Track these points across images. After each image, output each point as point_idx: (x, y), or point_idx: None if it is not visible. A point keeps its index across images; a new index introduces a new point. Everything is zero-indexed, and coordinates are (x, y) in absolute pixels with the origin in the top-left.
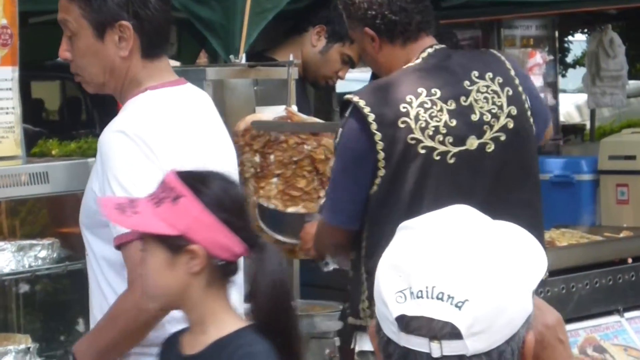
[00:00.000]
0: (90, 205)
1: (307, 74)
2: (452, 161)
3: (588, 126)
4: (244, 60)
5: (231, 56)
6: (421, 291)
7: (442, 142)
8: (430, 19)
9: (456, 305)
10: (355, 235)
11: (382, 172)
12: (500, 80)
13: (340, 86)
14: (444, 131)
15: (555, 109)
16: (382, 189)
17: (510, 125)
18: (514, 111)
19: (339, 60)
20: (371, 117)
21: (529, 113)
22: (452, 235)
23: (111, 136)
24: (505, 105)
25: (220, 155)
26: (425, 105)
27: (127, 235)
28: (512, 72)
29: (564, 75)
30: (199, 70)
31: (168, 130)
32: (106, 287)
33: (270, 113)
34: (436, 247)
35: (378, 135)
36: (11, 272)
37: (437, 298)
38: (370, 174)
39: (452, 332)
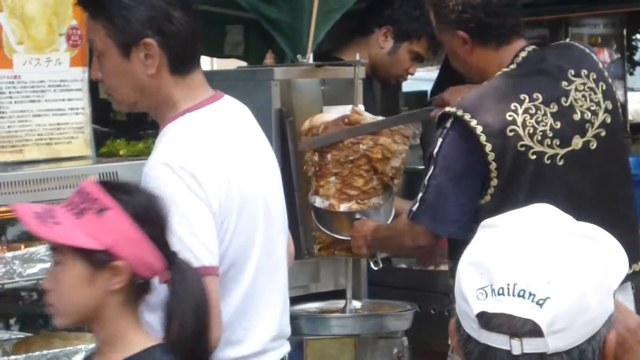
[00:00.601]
0: None
1: (377, 74)
2: (561, 163)
3: None
4: (311, 60)
5: (298, 56)
6: (502, 288)
7: (551, 146)
8: (522, 21)
9: (537, 303)
10: (454, 244)
11: (494, 182)
12: (595, 76)
13: (407, 85)
14: (551, 134)
15: (624, 107)
16: (495, 198)
17: (608, 120)
18: (610, 105)
19: (408, 59)
20: (479, 129)
21: (619, 104)
22: (534, 234)
23: (156, 168)
24: (602, 100)
25: (263, 172)
26: (530, 111)
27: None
28: (601, 65)
29: (631, 74)
30: (267, 70)
31: (212, 159)
32: None
33: (337, 113)
34: (518, 244)
35: (488, 147)
36: None
37: (519, 295)
38: (481, 184)
39: (533, 330)
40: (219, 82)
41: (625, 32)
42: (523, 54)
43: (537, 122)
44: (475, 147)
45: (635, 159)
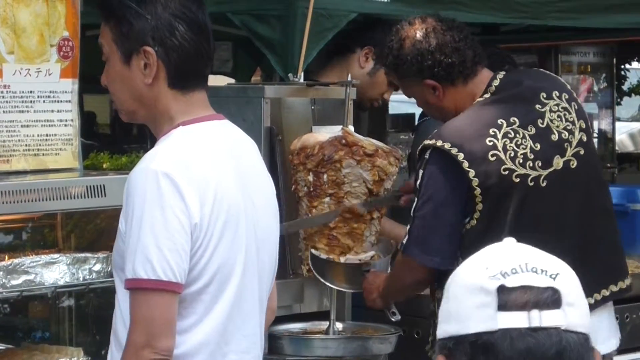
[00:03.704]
0: (120, 245)
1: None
2: (544, 184)
3: None
4: (302, 79)
5: (289, 74)
6: (514, 268)
7: (533, 167)
8: (481, 50)
9: (551, 277)
10: (442, 273)
11: (480, 207)
12: (567, 96)
13: (394, 108)
14: (532, 156)
15: (611, 137)
16: (481, 222)
17: (584, 138)
18: (583, 124)
19: (386, 82)
20: (461, 157)
21: (590, 123)
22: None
23: (139, 174)
24: (576, 119)
25: (255, 197)
26: (509, 135)
27: (142, 282)
28: (569, 87)
29: (619, 103)
30: (258, 87)
31: (199, 170)
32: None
33: (326, 132)
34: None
35: (472, 172)
36: (66, 285)
37: (532, 271)
38: (464, 212)
39: (552, 297)
40: (209, 98)
41: (615, 61)
42: (496, 82)
43: (517, 146)
44: (458, 175)
45: (621, 188)
